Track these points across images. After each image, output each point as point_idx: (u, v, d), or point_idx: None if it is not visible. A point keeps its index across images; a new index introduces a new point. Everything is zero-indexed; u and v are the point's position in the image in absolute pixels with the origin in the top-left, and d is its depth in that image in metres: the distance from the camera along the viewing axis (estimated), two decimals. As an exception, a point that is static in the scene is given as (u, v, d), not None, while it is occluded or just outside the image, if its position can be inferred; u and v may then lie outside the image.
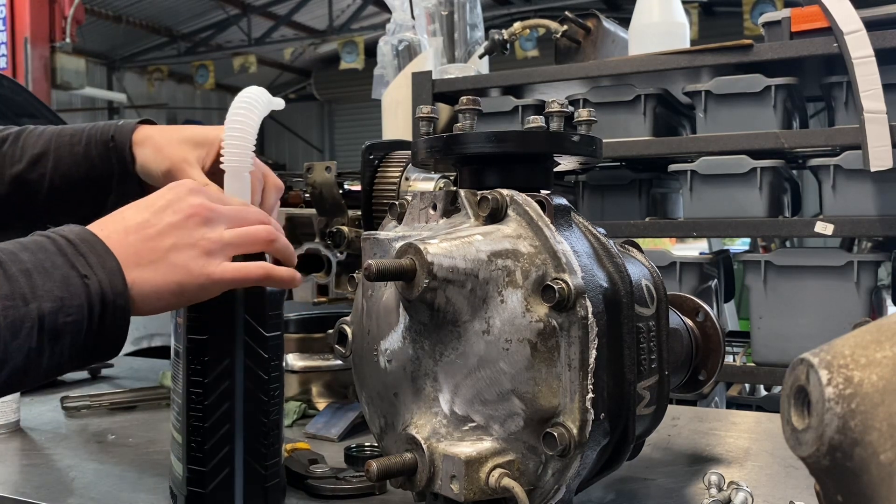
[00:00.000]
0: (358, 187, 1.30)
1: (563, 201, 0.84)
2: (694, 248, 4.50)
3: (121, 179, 1.08)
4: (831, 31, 2.10)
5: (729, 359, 2.65)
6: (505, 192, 0.82)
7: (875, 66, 2.04)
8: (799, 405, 0.52)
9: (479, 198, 0.83)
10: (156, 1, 11.27)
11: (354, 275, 0.96)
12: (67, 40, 6.86)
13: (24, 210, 1.10)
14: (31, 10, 6.57)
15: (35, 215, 1.11)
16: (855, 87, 2.05)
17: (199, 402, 0.89)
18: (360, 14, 11.72)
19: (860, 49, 2.05)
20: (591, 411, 0.75)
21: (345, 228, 1.31)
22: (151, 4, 11.38)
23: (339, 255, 1.35)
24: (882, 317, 0.57)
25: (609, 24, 2.78)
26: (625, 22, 2.74)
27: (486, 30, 2.91)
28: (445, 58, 2.81)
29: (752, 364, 2.42)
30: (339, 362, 1.28)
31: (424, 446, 0.78)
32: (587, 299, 0.76)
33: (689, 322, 1.09)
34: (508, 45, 2.84)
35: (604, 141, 0.94)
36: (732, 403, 2.84)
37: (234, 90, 1.01)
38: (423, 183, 1.20)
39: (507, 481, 0.75)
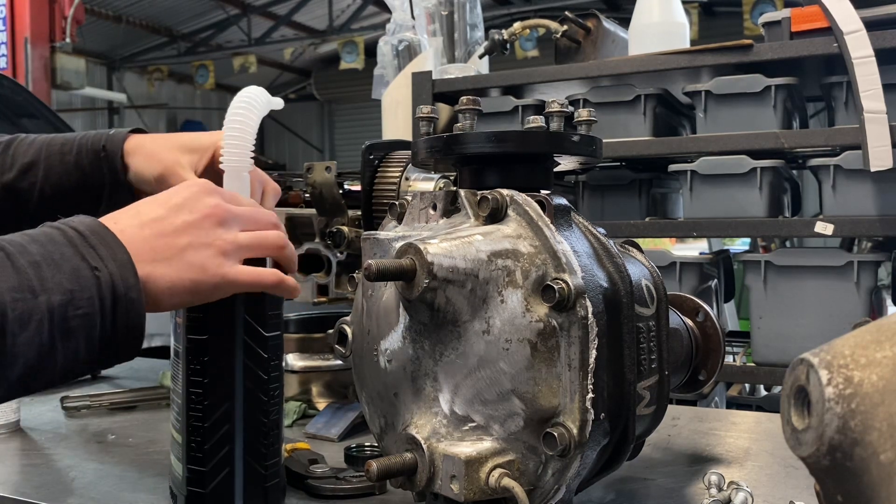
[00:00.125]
0: (358, 187, 1.30)
1: (563, 201, 0.84)
2: (694, 248, 4.49)
3: (112, 189, 1.08)
4: (831, 31, 2.10)
5: (729, 359, 2.65)
6: (505, 192, 0.82)
7: (875, 66, 2.04)
8: (799, 405, 0.52)
9: (479, 198, 0.83)
10: (156, 1, 11.26)
11: (354, 275, 0.96)
12: (67, 40, 6.86)
13: (14, 219, 1.09)
14: (31, 10, 6.57)
15: (25, 224, 1.10)
16: (855, 87, 2.05)
17: (198, 402, 0.89)
18: (360, 14, 11.71)
19: (860, 49, 2.05)
20: (591, 411, 0.75)
21: (345, 228, 1.31)
22: (151, 4, 11.38)
23: (339, 255, 1.35)
24: (882, 317, 0.57)
25: (609, 24, 2.78)
26: (625, 22, 2.74)
27: (486, 30, 2.91)
28: (445, 58, 2.81)
29: (752, 364, 2.42)
30: (339, 362, 1.28)
31: (424, 446, 0.78)
32: (587, 299, 0.76)
33: (689, 322, 1.09)
34: (508, 45, 2.84)
35: (604, 141, 0.94)
36: (732, 403, 2.84)
37: (234, 90, 1.01)
38: (423, 183, 1.20)
39: (507, 481, 0.75)
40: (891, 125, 2.04)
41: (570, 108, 0.91)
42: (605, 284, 0.81)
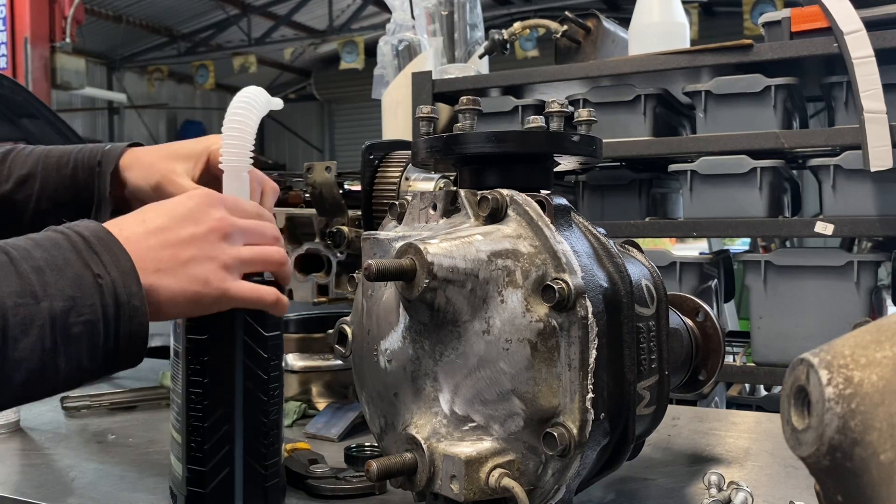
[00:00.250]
0: (358, 187, 1.30)
1: (563, 201, 0.84)
2: (694, 248, 4.49)
3: (97, 206, 1.09)
4: (831, 31, 2.10)
5: (729, 359, 2.65)
6: (505, 192, 0.82)
7: (875, 66, 2.04)
8: (799, 405, 0.52)
9: (479, 198, 0.83)
10: (156, 1, 11.26)
11: (354, 275, 0.96)
12: (67, 40, 6.86)
13: (8, 231, 1.09)
14: (31, 10, 6.57)
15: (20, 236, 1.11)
16: (855, 87, 2.05)
17: (198, 402, 0.89)
18: (360, 14, 11.71)
19: (860, 49, 2.05)
20: (591, 411, 0.75)
21: (345, 228, 1.31)
22: (151, 4, 11.38)
23: (339, 255, 1.35)
24: (882, 317, 0.57)
25: (609, 24, 2.78)
26: (625, 22, 2.74)
27: (486, 30, 2.91)
28: (445, 58, 2.81)
29: (752, 364, 2.42)
30: (339, 362, 1.27)
31: (424, 446, 0.78)
32: (587, 299, 0.76)
33: (689, 322, 1.09)
34: (508, 45, 2.84)
35: (604, 141, 0.94)
36: (732, 403, 2.84)
37: (234, 90, 1.01)
38: (423, 183, 1.20)
39: (507, 481, 0.75)
40: (891, 125, 2.04)
41: (570, 108, 0.91)
42: (605, 284, 0.81)
